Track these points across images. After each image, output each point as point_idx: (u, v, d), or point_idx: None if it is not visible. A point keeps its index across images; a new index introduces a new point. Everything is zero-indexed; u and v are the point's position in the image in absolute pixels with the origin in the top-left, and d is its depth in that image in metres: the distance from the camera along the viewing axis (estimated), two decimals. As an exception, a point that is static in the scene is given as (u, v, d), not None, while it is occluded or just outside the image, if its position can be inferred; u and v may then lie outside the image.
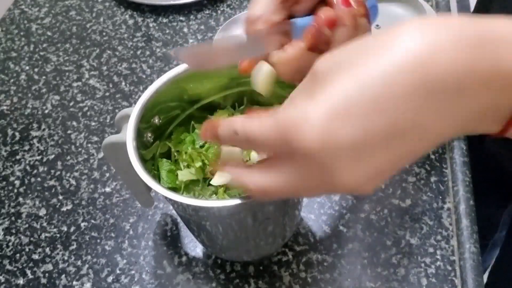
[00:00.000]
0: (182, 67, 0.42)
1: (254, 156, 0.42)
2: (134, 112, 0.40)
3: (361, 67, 0.23)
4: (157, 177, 0.41)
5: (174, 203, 0.40)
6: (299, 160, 0.25)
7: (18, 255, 0.53)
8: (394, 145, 0.23)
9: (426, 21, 0.23)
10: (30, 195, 0.57)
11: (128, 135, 0.38)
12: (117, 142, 0.40)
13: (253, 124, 0.27)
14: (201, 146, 0.43)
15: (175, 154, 0.44)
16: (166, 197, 0.36)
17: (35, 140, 0.63)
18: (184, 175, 0.41)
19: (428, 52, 0.22)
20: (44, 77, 0.71)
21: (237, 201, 0.34)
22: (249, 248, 0.45)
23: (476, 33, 0.22)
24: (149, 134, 0.42)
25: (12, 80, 0.71)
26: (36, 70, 0.72)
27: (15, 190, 0.58)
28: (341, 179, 0.24)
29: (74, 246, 0.53)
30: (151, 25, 0.76)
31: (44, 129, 0.64)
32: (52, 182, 0.58)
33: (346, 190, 0.25)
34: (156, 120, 0.42)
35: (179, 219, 0.54)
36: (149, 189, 0.47)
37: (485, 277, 0.86)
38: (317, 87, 0.24)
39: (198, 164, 0.41)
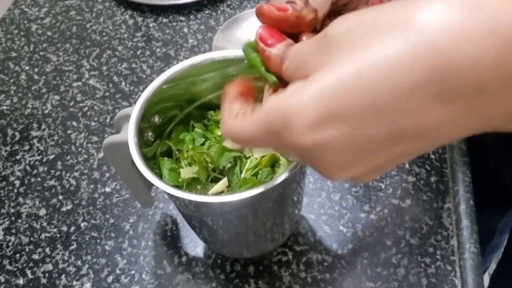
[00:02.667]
0: (180, 66, 0.42)
1: (257, 150, 0.42)
2: (135, 111, 0.40)
3: (369, 50, 0.20)
4: (159, 176, 0.41)
5: (176, 199, 0.40)
6: (292, 150, 0.24)
7: (18, 255, 0.53)
8: (397, 148, 0.21)
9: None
10: (30, 195, 0.57)
11: (129, 133, 0.39)
12: (117, 142, 0.40)
13: (236, 125, 0.25)
14: (202, 144, 0.44)
15: (176, 152, 0.44)
16: (168, 195, 0.36)
17: (35, 140, 0.63)
18: (187, 172, 0.41)
19: (449, 38, 0.18)
20: (44, 77, 0.71)
21: (238, 197, 0.34)
22: (249, 243, 0.46)
23: None
24: (150, 133, 0.42)
25: (12, 80, 0.71)
26: (36, 70, 0.72)
27: (15, 190, 0.58)
28: (333, 175, 0.23)
29: (74, 246, 0.53)
30: (151, 25, 0.76)
31: (44, 129, 0.64)
32: (52, 182, 0.58)
33: (339, 180, 0.25)
34: (156, 119, 0.42)
35: (179, 219, 0.54)
36: (149, 188, 0.47)
37: (485, 279, 0.86)
38: (322, 61, 0.22)
39: (201, 164, 0.42)
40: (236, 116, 0.26)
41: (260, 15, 0.27)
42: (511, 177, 0.65)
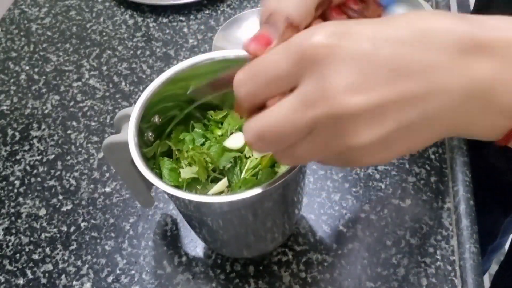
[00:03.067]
0: (180, 66, 0.42)
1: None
2: (135, 111, 0.40)
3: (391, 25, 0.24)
4: (159, 176, 0.41)
5: (176, 199, 0.40)
6: (301, 80, 0.24)
7: (18, 255, 0.53)
8: (402, 80, 0.23)
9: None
10: (30, 195, 0.57)
11: (129, 133, 0.39)
12: (117, 142, 0.40)
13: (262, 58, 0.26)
14: (202, 144, 0.44)
15: (176, 152, 0.44)
16: (168, 195, 0.36)
17: (35, 140, 0.63)
18: (186, 172, 0.41)
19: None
20: (44, 77, 0.71)
21: (238, 197, 0.34)
22: (249, 243, 0.46)
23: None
24: (150, 133, 0.42)
25: (12, 80, 0.71)
26: (36, 70, 0.72)
27: (15, 190, 0.58)
28: (339, 92, 0.23)
29: (74, 246, 0.53)
30: (151, 25, 0.76)
31: (44, 129, 0.64)
32: (52, 182, 0.58)
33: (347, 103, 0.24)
34: (156, 119, 0.42)
35: (179, 219, 0.54)
36: (149, 188, 0.47)
37: (486, 280, 0.86)
38: None
39: (201, 164, 0.42)
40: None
41: (247, 52, 0.28)
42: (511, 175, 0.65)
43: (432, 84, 0.23)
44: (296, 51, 0.24)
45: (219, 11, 0.77)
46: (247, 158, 0.42)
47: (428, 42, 0.23)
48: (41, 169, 0.60)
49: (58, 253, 0.52)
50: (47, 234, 0.54)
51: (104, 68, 0.71)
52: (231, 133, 0.44)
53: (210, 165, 0.42)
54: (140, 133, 0.40)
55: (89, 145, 0.62)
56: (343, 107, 0.23)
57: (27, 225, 0.55)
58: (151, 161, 0.42)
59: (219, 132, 0.44)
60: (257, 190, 0.34)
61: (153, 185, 0.37)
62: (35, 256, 0.52)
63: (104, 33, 0.76)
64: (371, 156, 0.25)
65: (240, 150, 0.42)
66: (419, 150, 0.30)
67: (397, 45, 0.23)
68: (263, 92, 0.26)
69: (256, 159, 0.42)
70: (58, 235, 0.54)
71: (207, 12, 0.77)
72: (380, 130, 0.24)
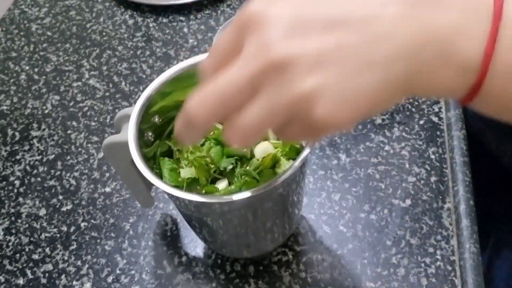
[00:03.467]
0: (180, 66, 0.42)
1: (258, 151, 0.42)
2: (135, 111, 0.40)
3: None
4: (159, 176, 0.41)
5: (176, 199, 0.40)
6: (244, 42, 0.25)
7: (18, 255, 0.53)
8: (342, 32, 0.23)
9: None
10: (30, 195, 0.57)
11: (129, 134, 0.39)
12: (117, 142, 0.40)
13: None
14: (202, 145, 0.44)
15: (177, 153, 0.44)
16: (168, 195, 0.36)
17: (35, 140, 0.63)
18: (186, 172, 0.41)
19: None
20: (44, 77, 0.71)
21: (238, 197, 0.34)
22: (249, 243, 0.46)
23: None
24: (150, 133, 0.42)
25: (12, 80, 0.71)
26: (36, 70, 0.72)
27: (15, 190, 0.58)
28: (278, 42, 0.23)
29: (74, 246, 0.53)
30: (151, 25, 0.76)
31: (44, 129, 0.64)
32: (52, 182, 0.58)
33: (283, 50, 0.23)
34: (157, 119, 0.42)
35: (179, 219, 0.54)
36: (149, 188, 0.47)
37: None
38: None
39: (202, 167, 0.42)
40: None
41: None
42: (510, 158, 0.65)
43: (375, 33, 0.23)
44: (236, 23, 0.25)
45: (219, 11, 0.77)
46: (248, 160, 0.42)
47: None
48: (41, 169, 0.60)
49: (58, 253, 0.52)
50: (47, 234, 0.54)
51: (104, 68, 0.71)
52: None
53: (211, 166, 0.42)
54: (140, 133, 0.40)
55: (89, 145, 0.62)
56: (280, 54, 0.23)
57: (27, 225, 0.55)
58: (151, 161, 0.42)
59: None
60: (257, 190, 0.34)
61: (153, 185, 0.37)
62: (35, 256, 0.52)
63: (104, 33, 0.76)
64: (322, 109, 0.23)
65: (242, 152, 0.42)
66: (384, 109, 0.27)
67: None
68: (217, 68, 0.26)
69: (258, 160, 0.42)
70: (58, 235, 0.54)
71: (207, 12, 0.77)
72: (321, 76, 0.23)
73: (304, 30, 0.23)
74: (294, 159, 0.37)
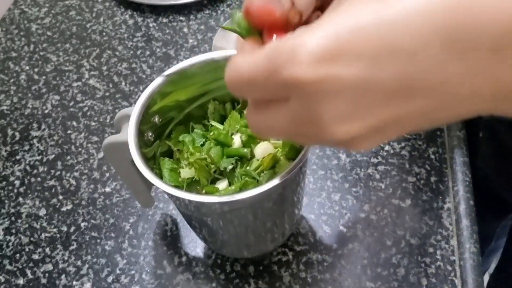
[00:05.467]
0: (180, 66, 0.42)
1: (258, 151, 0.42)
2: (135, 111, 0.40)
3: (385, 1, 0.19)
4: (159, 176, 0.41)
5: (176, 199, 0.40)
6: (290, 97, 0.22)
7: (18, 255, 0.53)
8: (403, 106, 0.20)
9: None
10: (30, 195, 0.57)
11: (129, 134, 0.39)
12: (117, 142, 0.40)
13: (242, 61, 0.23)
14: (202, 145, 0.44)
15: (177, 153, 0.44)
16: (168, 195, 0.36)
17: (35, 140, 0.63)
18: (186, 172, 0.41)
19: None
20: (44, 77, 0.71)
21: (238, 197, 0.34)
22: (249, 243, 0.46)
23: None
24: (150, 133, 0.42)
25: (12, 80, 0.71)
26: (36, 70, 0.72)
27: (15, 190, 0.58)
28: (330, 124, 0.21)
29: (74, 246, 0.53)
30: (151, 25, 0.76)
31: (44, 129, 0.64)
32: (52, 182, 0.58)
33: (335, 141, 0.21)
34: (157, 119, 0.42)
35: (179, 219, 0.54)
36: (149, 188, 0.47)
37: (485, 280, 0.86)
38: (333, 6, 0.21)
39: (203, 169, 0.42)
40: (243, 53, 0.24)
41: (247, 14, 0.26)
42: (503, 186, 0.66)
43: (445, 98, 0.20)
44: (277, 82, 0.21)
45: (219, 11, 0.77)
46: (248, 160, 0.42)
47: (447, 47, 0.19)
48: (41, 169, 0.60)
49: (58, 253, 0.52)
50: (47, 234, 0.54)
51: (104, 68, 0.71)
52: (232, 134, 0.44)
53: (211, 166, 0.42)
54: (140, 133, 0.40)
55: (89, 145, 0.62)
56: (337, 138, 0.21)
57: (27, 225, 0.55)
58: (151, 161, 0.42)
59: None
60: (257, 190, 0.34)
61: (153, 185, 0.37)
62: (35, 256, 0.52)
63: (104, 33, 0.76)
64: (361, 148, 0.23)
65: (242, 153, 0.42)
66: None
67: (402, 58, 0.19)
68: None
69: (258, 160, 0.42)
70: (58, 235, 0.54)
71: (207, 12, 0.77)
72: (375, 141, 0.22)
73: (365, 106, 0.20)
74: (294, 159, 0.37)
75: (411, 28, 0.19)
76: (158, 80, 0.41)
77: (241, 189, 0.40)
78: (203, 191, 0.42)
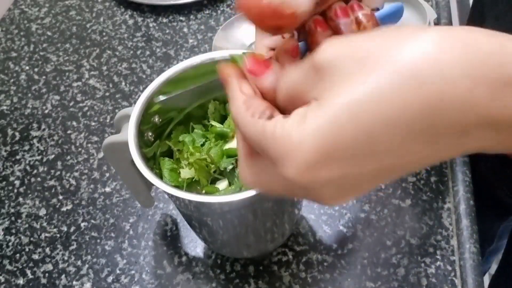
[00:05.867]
0: (180, 66, 0.42)
1: None
2: (135, 111, 0.40)
3: (361, 88, 0.21)
4: (159, 176, 0.41)
5: (176, 199, 0.40)
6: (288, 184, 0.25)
7: (18, 255, 0.53)
8: (382, 176, 0.23)
9: (447, 33, 0.20)
10: (30, 195, 0.57)
11: (129, 134, 0.39)
12: (117, 142, 0.40)
13: (247, 122, 0.25)
14: (202, 145, 0.44)
15: (177, 153, 0.44)
16: (168, 194, 0.36)
17: (35, 140, 0.63)
18: (186, 173, 0.41)
19: (438, 80, 0.19)
20: (44, 77, 0.71)
21: (238, 197, 0.34)
22: (249, 243, 0.46)
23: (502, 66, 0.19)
24: (150, 133, 0.42)
25: (12, 80, 0.71)
26: (36, 70, 0.72)
27: (15, 190, 0.58)
28: (327, 204, 0.25)
29: (74, 246, 0.53)
30: (151, 25, 0.76)
31: (44, 129, 0.64)
32: (52, 182, 0.58)
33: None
34: (157, 119, 0.42)
35: (179, 219, 0.54)
36: (149, 188, 0.47)
37: (486, 280, 0.86)
38: (315, 92, 0.23)
39: (203, 169, 0.42)
40: (247, 113, 0.26)
41: (240, 8, 0.26)
42: (504, 191, 0.66)
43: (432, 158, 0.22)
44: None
45: (219, 11, 0.77)
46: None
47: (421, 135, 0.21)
48: (41, 169, 0.60)
49: (58, 253, 0.52)
50: (47, 234, 0.54)
51: (104, 68, 0.71)
52: (232, 135, 0.44)
53: (211, 166, 0.42)
54: (140, 133, 0.40)
55: (89, 145, 0.62)
56: (328, 204, 0.25)
57: (27, 225, 0.55)
58: (151, 161, 0.42)
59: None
60: (256, 190, 0.34)
61: (153, 185, 0.37)
62: (35, 256, 0.52)
63: (104, 33, 0.76)
64: (335, 201, 0.25)
65: None
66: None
67: (380, 156, 0.22)
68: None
69: None
70: (58, 235, 0.54)
71: (207, 12, 0.77)
72: (349, 192, 0.24)
73: (351, 189, 0.23)
74: None
75: (383, 122, 0.20)
76: (158, 80, 0.41)
77: (241, 189, 0.40)
78: (203, 191, 0.42)
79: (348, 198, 0.25)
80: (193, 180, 0.42)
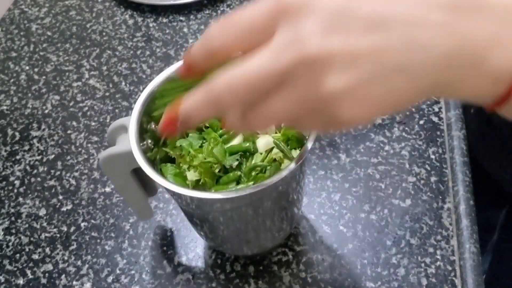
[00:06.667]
0: (177, 67, 0.42)
1: (260, 144, 0.42)
2: (133, 117, 0.40)
3: None
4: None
5: (178, 197, 0.40)
6: (278, 25, 0.24)
7: (18, 255, 0.53)
8: (380, 34, 0.23)
9: None
10: (30, 195, 0.57)
11: (131, 140, 0.39)
12: (116, 153, 0.40)
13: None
14: (200, 146, 0.44)
15: (179, 157, 0.44)
16: (170, 192, 0.37)
17: (35, 140, 0.63)
18: (193, 175, 0.41)
19: None
20: (44, 77, 0.71)
21: (238, 194, 0.35)
22: (249, 239, 0.46)
23: None
24: (149, 141, 0.42)
25: (12, 80, 0.71)
26: (36, 70, 0.72)
27: (15, 190, 0.58)
28: (312, 37, 0.23)
29: (74, 246, 0.53)
30: (151, 25, 0.76)
31: (44, 129, 0.64)
32: (52, 182, 0.58)
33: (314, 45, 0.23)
34: (153, 126, 0.42)
35: (179, 219, 0.54)
36: (147, 198, 0.47)
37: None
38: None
39: (208, 171, 0.42)
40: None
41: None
42: (507, 180, 0.65)
43: (414, 40, 0.23)
44: (273, 2, 0.24)
45: (219, 11, 0.77)
46: (252, 154, 0.42)
47: None
48: (41, 169, 0.60)
49: (58, 253, 0.52)
50: (47, 234, 0.54)
51: (104, 68, 0.71)
52: (233, 134, 0.44)
53: (215, 165, 0.42)
54: (141, 139, 0.40)
55: (89, 145, 0.62)
56: (315, 51, 0.23)
57: (27, 225, 0.55)
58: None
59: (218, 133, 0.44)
60: (257, 187, 0.34)
61: (152, 193, 0.37)
62: (35, 256, 0.52)
63: (104, 33, 0.76)
64: (349, 109, 0.24)
65: (245, 147, 0.42)
66: (406, 109, 0.28)
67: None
68: (238, 44, 0.26)
69: (261, 154, 0.42)
70: (58, 235, 0.54)
71: (207, 12, 0.77)
72: (354, 77, 0.23)
73: (344, 27, 0.23)
74: (295, 149, 0.37)
75: None
76: (158, 80, 0.41)
77: (254, 183, 0.40)
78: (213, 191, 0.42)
79: (367, 112, 0.24)
80: (199, 182, 0.42)
